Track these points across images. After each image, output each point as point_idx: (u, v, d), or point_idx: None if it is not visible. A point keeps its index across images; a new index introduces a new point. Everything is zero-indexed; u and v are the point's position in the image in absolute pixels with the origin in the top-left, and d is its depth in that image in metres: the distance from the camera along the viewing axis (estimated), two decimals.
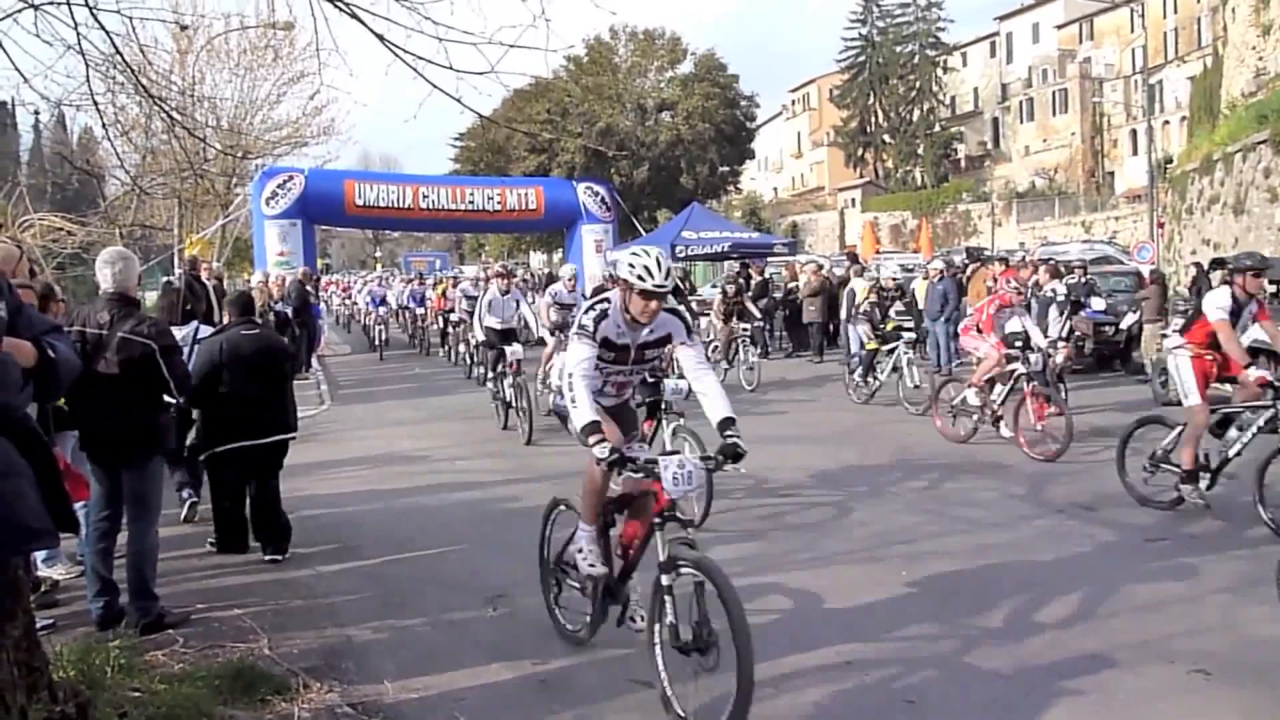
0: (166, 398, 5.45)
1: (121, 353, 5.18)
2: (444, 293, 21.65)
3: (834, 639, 4.88)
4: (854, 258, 20.02)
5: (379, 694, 4.38)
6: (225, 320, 7.47)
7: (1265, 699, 4.19)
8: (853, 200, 64.31)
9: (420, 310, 24.04)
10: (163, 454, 5.61)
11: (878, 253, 33.65)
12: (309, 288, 18.87)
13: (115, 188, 21.74)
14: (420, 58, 4.14)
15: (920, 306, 16.49)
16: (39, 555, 5.55)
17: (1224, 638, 4.85)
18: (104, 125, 7.33)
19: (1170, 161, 32.40)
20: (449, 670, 4.63)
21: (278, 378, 6.73)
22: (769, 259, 23.17)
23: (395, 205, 26.22)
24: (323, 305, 25.70)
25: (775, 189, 78.48)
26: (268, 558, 6.50)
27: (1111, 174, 55.94)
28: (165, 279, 18.15)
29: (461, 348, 18.14)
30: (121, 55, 4.78)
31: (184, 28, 14.67)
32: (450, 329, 19.83)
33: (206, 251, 22.42)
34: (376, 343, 22.41)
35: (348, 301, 35.97)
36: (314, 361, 18.55)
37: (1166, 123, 48.51)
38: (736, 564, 6.15)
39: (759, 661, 4.57)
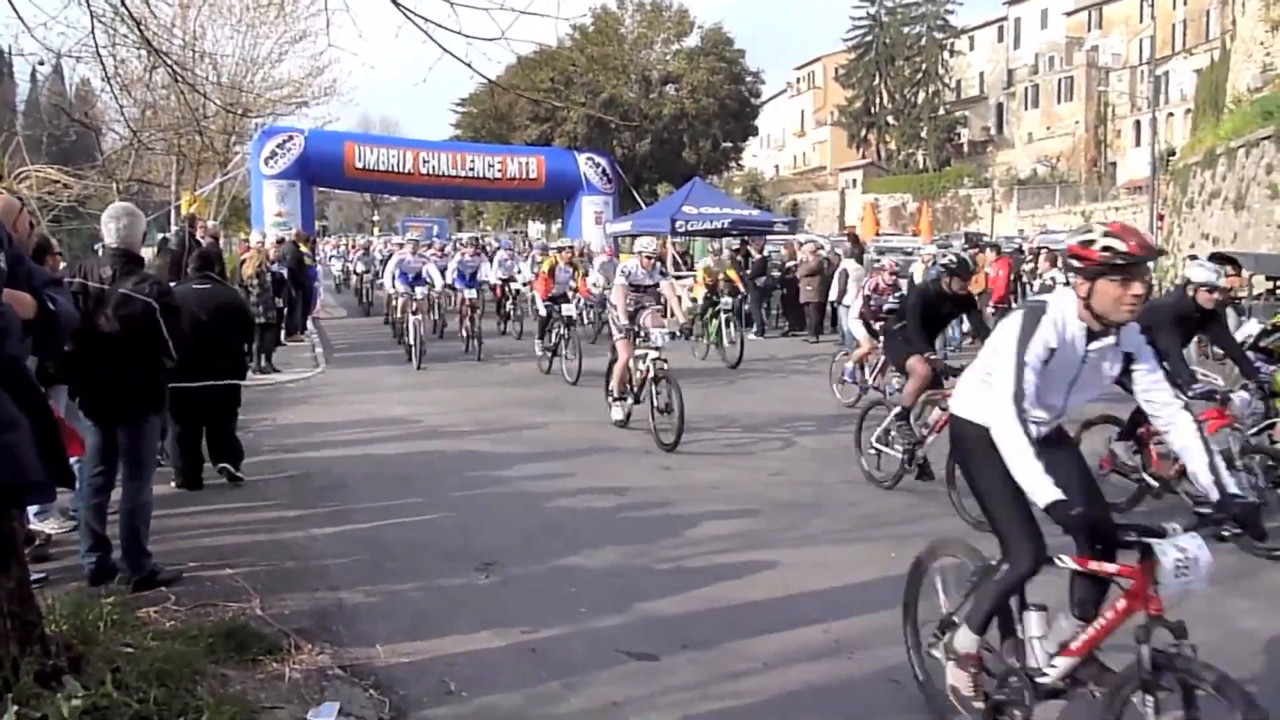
0: (165, 359, 5.41)
1: (122, 309, 5.14)
2: (551, 271, 15.00)
3: (822, 618, 4.91)
4: (854, 239, 19.95)
5: (370, 657, 4.41)
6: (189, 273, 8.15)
7: (1247, 689, 4.23)
8: (854, 181, 64.12)
9: (469, 293, 16.96)
10: (159, 413, 5.59)
11: (877, 234, 33.60)
12: (305, 249, 18.77)
13: (113, 141, 21.58)
14: (431, 21, 4.11)
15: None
16: (31, 509, 5.55)
17: (1207, 629, 4.87)
18: (106, 78, 7.28)
19: (1173, 154, 32.32)
20: (440, 636, 4.66)
21: (225, 329, 7.48)
22: (768, 237, 23.11)
23: (395, 169, 26.13)
24: (319, 267, 25.59)
25: (777, 166, 78.17)
26: (218, 468, 7.53)
27: (1114, 164, 55.82)
28: (161, 235, 18.07)
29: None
30: (126, 7, 4.73)
31: None
32: (562, 324, 13.42)
33: (204, 209, 22.29)
34: (411, 341, 14.59)
35: (347, 264, 32.11)
36: (309, 324, 18.50)
37: (1171, 115, 48.36)
38: (725, 540, 6.22)
39: (745, 639, 4.64)
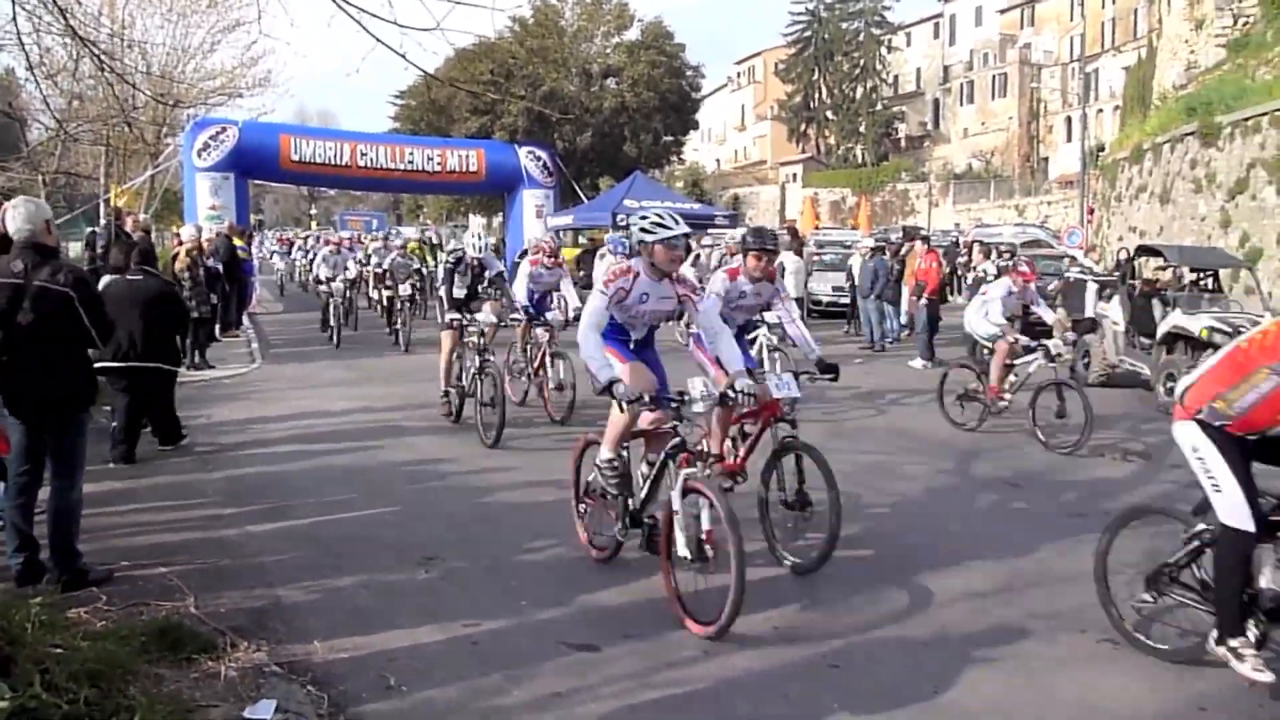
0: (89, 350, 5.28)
1: (40, 303, 4.97)
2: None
3: (762, 607, 4.96)
4: (794, 233, 20.13)
5: (308, 653, 4.36)
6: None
7: (1168, 664, 4.38)
8: (794, 175, 64.70)
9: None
10: (87, 408, 5.45)
11: (817, 228, 33.94)
12: (240, 243, 18.41)
13: (38, 133, 20.93)
14: (364, 10, 4.06)
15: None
16: None
17: (1133, 609, 5.05)
18: (30, 67, 7.03)
19: (1102, 149, 33.13)
20: (379, 631, 4.62)
21: (159, 319, 8.17)
22: (709, 231, 23.24)
23: (332, 162, 25.73)
24: (255, 262, 25.10)
25: (718, 160, 78.53)
26: (160, 446, 8.32)
27: (1046, 159, 57.06)
28: (90, 229, 17.61)
29: None
30: None
31: None
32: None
33: (133, 202, 21.79)
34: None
35: (300, 261, 29.21)
36: (244, 319, 18.17)
37: (1100, 111, 49.56)
38: None
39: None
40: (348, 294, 17.62)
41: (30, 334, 4.98)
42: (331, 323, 16.80)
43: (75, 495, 5.23)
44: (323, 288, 17.85)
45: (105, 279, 8.42)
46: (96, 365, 6.99)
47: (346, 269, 18.40)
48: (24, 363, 5.00)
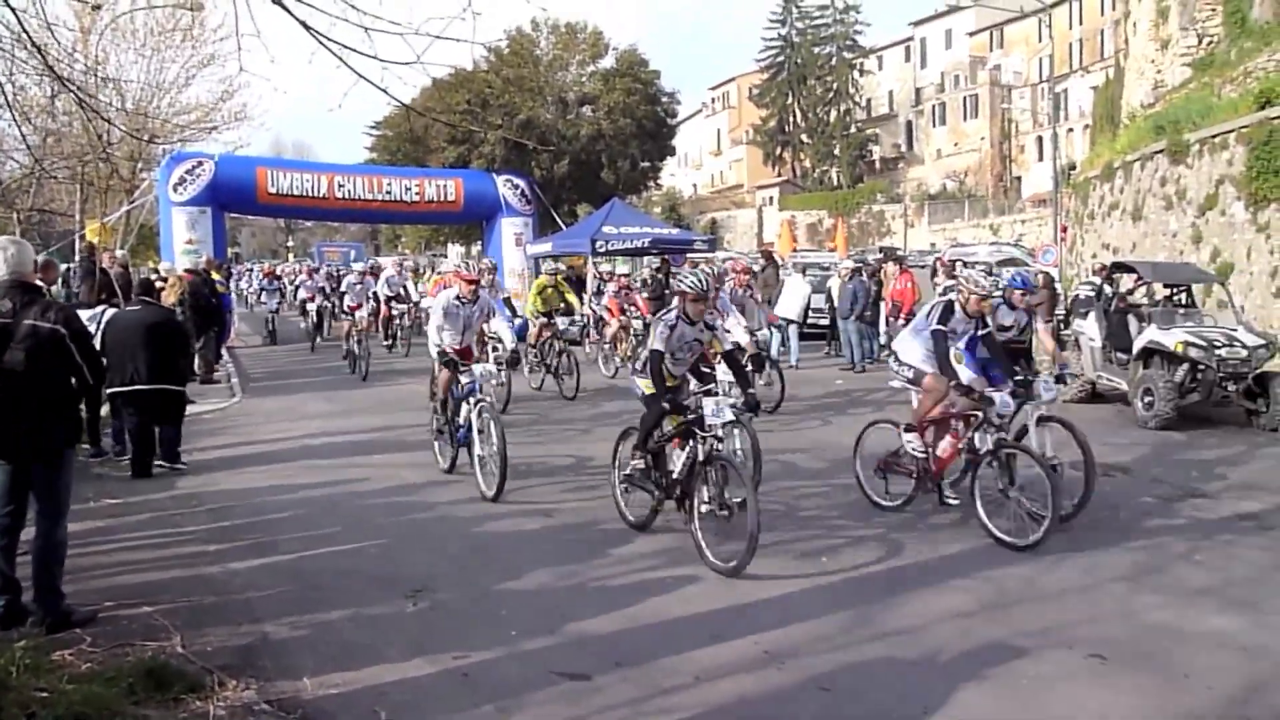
0: (75, 381, 5.23)
1: (29, 340, 4.95)
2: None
3: (751, 630, 4.98)
4: (768, 256, 20.25)
5: (297, 690, 4.32)
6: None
7: (1156, 680, 4.42)
8: (770, 198, 65.13)
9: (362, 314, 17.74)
10: (74, 447, 5.41)
11: (795, 250, 34.17)
12: (219, 277, 18.29)
13: (11, 170, 20.84)
14: (345, 46, 4.09)
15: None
16: None
17: (1119, 624, 5.10)
18: (6, 104, 7.01)
19: (1074, 168, 33.49)
20: (369, 665, 4.59)
21: (162, 344, 8.86)
22: (688, 255, 23.31)
23: (310, 194, 25.60)
24: (234, 295, 24.93)
25: (695, 185, 78.97)
26: (166, 465, 8.99)
27: (1019, 179, 57.75)
28: (66, 266, 17.48)
29: None
30: (27, 33, 4.60)
31: (96, 7, 14.07)
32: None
33: (109, 238, 21.66)
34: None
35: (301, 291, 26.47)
36: (224, 353, 18.04)
37: (1070, 130, 50.22)
38: (653, 558, 6.26)
39: (676, 654, 4.69)
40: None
41: (21, 372, 4.95)
42: (357, 352, 16.50)
43: (61, 534, 5.18)
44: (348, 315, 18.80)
45: (110, 312, 9.40)
46: (109, 391, 8.39)
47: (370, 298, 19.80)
48: (15, 401, 4.95)
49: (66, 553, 5.27)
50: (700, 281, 6.79)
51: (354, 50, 4.22)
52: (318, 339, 21.39)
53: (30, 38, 4.74)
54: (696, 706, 4.20)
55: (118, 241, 22.34)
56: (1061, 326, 14.24)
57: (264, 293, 26.26)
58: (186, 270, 15.33)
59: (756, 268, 18.82)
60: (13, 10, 4.44)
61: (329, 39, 4.06)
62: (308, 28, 4.03)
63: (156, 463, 8.99)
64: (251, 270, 43.79)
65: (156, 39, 21.71)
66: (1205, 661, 4.61)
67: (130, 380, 8.69)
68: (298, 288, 27.65)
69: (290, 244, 72.39)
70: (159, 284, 12.68)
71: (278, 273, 30.34)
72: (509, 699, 4.25)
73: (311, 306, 22.87)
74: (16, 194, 19.14)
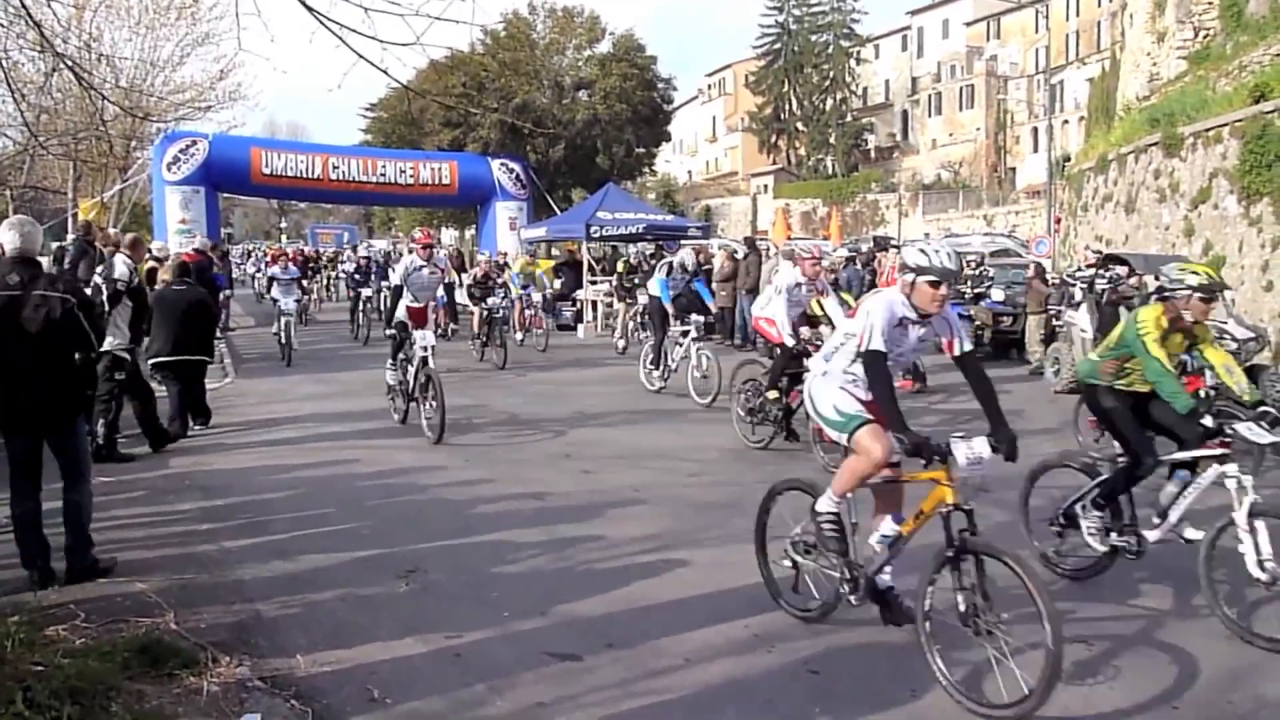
0: (79, 354, 5.46)
1: (41, 310, 5.18)
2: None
3: (742, 613, 5.02)
4: (750, 243, 20.29)
5: (290, 668, 4.35)
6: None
7: (1141, 667, 4.47)
8: (765, 186, 65.07)
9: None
10: (88, 411, 5.88)
11: (789, 239, 34.13)
12: (213, 257, 18.24)
13: (4, 146, 20.74)
14: (345, 26, 4.09)
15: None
16: None
17: (1109, 609, 5.15)
18: (8, 82, 7.00)
19: (1068, 160, 33.58)
20: (361, 644, 4.63)
21: (194, 319, 9.65)
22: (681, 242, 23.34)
23: (304, 175, 25.61)
24: (225, 277, 24.88)
25: (689, 172, 78.82)
26: (197, 427, 9.92)
27: (1013, 169, 57.75)
28: (57, 245, 17.42)
29: None
30: (27, 10, 4.59)
31: None
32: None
33: (102, 216, 21.58)
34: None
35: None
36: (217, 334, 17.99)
37: (1066, 122, 50.26)
38: (646, 541, 6.29)
39: (667, 636, 4.72)
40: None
41: (32, 344, 5.18)
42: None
43: (86, 491, 5.59)
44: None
45: (158, 288, 10.30)
46: (151, 361, 9.45)
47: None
48: (29, 373, 5.18)
49: (92, 505, 5.67)
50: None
51: (354, 30, 4.22)
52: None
53: (29, 13, 4.72)
54: (687, 687, 4.24)
55: (110, 220, 22.26)
56: (1053, 318, 14.31)
57: (275, 284, 17.26)
58: (195, 250, 15.29)
59: (739, 255, 18.89)
60: None
61: (330, 19, 4.06)
62: (310, 8, 4.03)
63: (193, 429, 9.84)
64: (254, 253, 39.59)
65: (151, 16, 21.60)
66: (1197, 646, 4.66)
67: (173, 351, 9.51)
68: (336, 277, 24.79)
69: (284, 225, 72.06)
70: (152, 264, 12.68)
71: (290, 253, 24.39)
72: (500, 679, 4.29)
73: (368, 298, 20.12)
74: (9, 171, 19.04)
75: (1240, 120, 15.25)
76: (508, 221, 26.85)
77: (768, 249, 21.27)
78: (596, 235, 21.47)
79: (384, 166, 27.05)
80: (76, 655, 4.00)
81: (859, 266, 16.69)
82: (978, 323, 15.55)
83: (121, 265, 8.96)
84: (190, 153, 23.36)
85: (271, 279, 17.51)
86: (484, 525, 6.70)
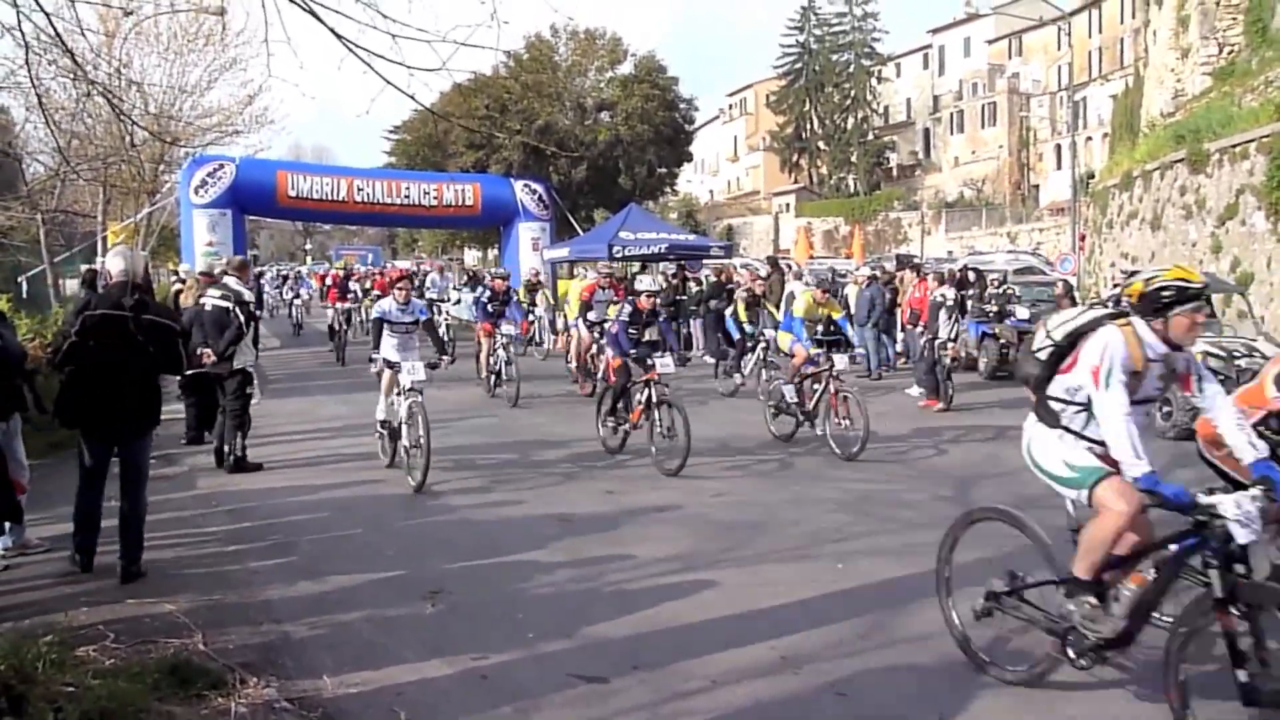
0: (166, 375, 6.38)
1: (150, 333, 5.79)
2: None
3: (767, 635, 4.99)
4: (774, 262, 20.27)
5: (317, 689, 4.37)
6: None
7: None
8: (787, 205, 65.09)
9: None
10: (157, 425, 6.40)
11: (811, 257, 34.16)
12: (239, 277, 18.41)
13: (36, 171, 21.08)
14: (373, 53, 4.15)
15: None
16: None
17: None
18: (40, 108, 7.15)
19: (1092, 177, 33.38)
20: (388, 665, 4.63)
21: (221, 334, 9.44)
22: (703, 262, 23.38)
23: (329, 197, 25.82)
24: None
25: (711, 191, 78.99)
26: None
27: (1036, 187, 57.51)
28: (86, 267, 17.67)
29: None
30: (61, 39, 4.68)
31: (128, 13, 14.22)
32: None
33: (130, 239, 21.89)
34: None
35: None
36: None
37: (1089, 139, 50.03)
38: (671, 562, 6.28)
39: (694, 658, 4.70)
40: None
41: (135, 362, 5.79)
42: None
43: (145, 499, 6.13)
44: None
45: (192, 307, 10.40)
46: (189, 371, 9.11)
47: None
48: (120, 389, 5.76)
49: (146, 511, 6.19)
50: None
51: (381, 57, 4.28)
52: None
53: (62, 40, 4.82)
54: (713, 710, 4.22)
55: (139, 243, 22.56)
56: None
57: (389, 331, 9.71)
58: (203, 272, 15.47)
59: (762, 274, 18.87)
60: (45, 14, 4.51)
61: (359, 46, 4.12)
62: (339, 36, 4.09)
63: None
64: (292, 277, 35.51)
65: (180, 43, 21.94)
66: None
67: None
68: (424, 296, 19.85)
69: (308, 246, 72.81)
70: (177, 285, 12.88)
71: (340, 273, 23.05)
72: (526, 700, 4.28)
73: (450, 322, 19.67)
74: (41, 195, 19.34)
75: (1267, 136, 15.14)
76: (530, 242, 26.96)
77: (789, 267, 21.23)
78: (619, 255, 21.53)
79: (408, 188, 27.24)
80: (107, 676, 4.02)
81: (881, 285, 16.63)
82: (1002, 341, 15.45)
83: (238, 285, 9.56)
84: (217, 176, 23.62)
85: (381, 323, 9.67)
86: (509, 546, 6.71)
